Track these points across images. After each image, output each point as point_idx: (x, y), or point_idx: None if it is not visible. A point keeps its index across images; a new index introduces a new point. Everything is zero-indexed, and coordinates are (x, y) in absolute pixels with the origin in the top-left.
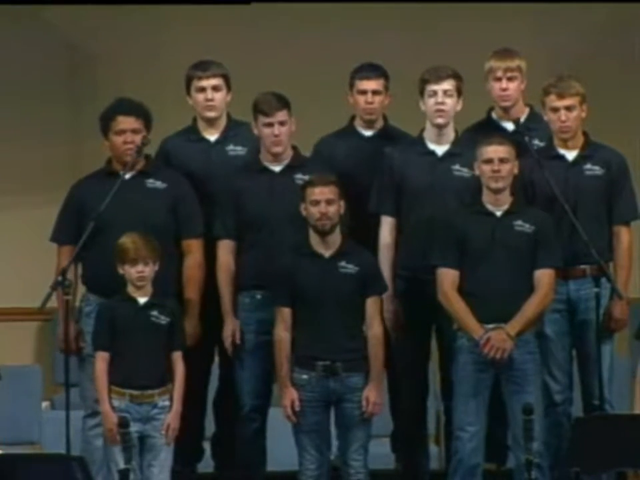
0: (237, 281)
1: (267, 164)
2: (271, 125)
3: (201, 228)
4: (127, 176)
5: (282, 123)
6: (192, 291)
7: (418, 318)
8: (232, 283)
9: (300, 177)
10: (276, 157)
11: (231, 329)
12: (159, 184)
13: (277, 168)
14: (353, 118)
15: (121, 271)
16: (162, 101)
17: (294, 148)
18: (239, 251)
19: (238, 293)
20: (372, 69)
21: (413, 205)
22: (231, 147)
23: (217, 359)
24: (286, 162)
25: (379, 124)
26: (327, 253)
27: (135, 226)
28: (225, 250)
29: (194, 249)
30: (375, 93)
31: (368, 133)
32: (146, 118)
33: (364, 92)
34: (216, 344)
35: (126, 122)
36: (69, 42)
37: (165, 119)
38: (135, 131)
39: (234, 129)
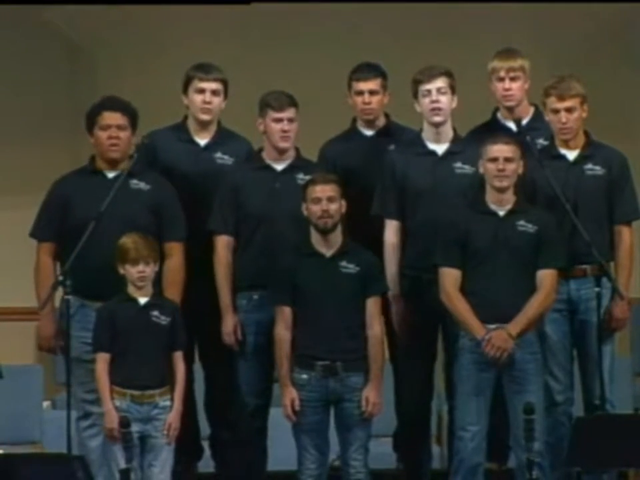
0: (233, 280)
1: (269, 162)
2: (280, 120)
3: (183, 232)
4: (111, 175)
5: (291, 120)
6: (173, 294)
7: (424, 318)
8: (230, 278)
9: (301, 178)
10: (281, 154)
11: (231, 324)
12: (142, 185)
13: (279, 167)
14: (355, 119)
15: (121, 271)
16: (162, 100)
17: (296, 149)
18: (235, 249)
19: (235, 294)
20: (368, 70)
21: (416, 205)
22: (219, 155)
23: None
24: (289, 161)
25: (381, 122)
26: (328, 253)
27: (118, 226)
28: (223, 245)
29: (175, 252)
30: (372, 93)
31: (370, 132)
32: (132, 115)
33: (361, 93)
34: (195, 344)
35: (111, 117)
36: (70, 42)
37: (164, 118)
38: (119, 127)
39: (224, 137)
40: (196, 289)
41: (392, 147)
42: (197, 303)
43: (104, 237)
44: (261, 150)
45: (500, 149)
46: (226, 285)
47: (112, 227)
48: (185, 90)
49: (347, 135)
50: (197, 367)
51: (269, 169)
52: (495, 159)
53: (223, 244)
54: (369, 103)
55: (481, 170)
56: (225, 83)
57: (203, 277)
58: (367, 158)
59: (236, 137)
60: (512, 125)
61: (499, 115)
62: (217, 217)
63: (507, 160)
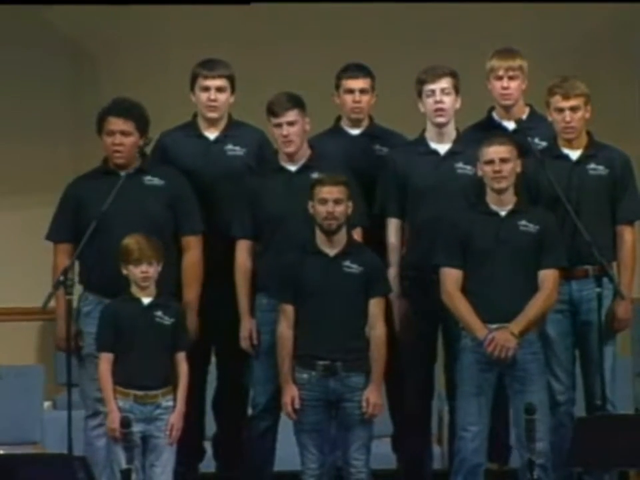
0: (254, 281)
1: (283, 163)
2: (279, 125)
3: (200, 225)
4: (124, 174)
5: (291, 124)
6: (191, 288)
7: (425, 318)
8: (249, 283)
9: (316, 176)
10: (290, 157)
11: (248, 329)
12: (156, 181)
13: (293, 167)
14: (338, 118)
15: (124, 271)
16: (163, 100)
17: (310, 147)
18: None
19: (255, 293)
20: (358, 69)
21: (418, 205)
22: (230, 147)
23: (213, 359)
24: (302, 161)
25: (365, 123)
26: (331, 252)
27: (134, 223)
28: (243, 250)
29: (193, 246)
30: (362, 92)
31: (355, 132)
32: (139, 121)
33: (351, 91)
34: (213, 344)
35: (115, 123)
36: (70, 42)
37: (165, 118)
38: (123, 133)
39: (234, 129)
40: (212, 288)
41: (377, 147)
42: (213, 302)
43: (121, 236)
44: (277, 151)
45: (495, 151)
46: (244, 290)
47: (129, 225)
48: (192, 87)
49: (331, 133)
50: (211, 368)
51: (284, 170)
52: (491, 161)
53: (242, 248)
54: (359, 102)
55: (479, 172)
56: (230, 78)
57: (216, 274)
58: (353, 157)
59: (247, 127)
60: (507, 124)
61: (494, 114)
62: (235, 221)
63: (503, 161)
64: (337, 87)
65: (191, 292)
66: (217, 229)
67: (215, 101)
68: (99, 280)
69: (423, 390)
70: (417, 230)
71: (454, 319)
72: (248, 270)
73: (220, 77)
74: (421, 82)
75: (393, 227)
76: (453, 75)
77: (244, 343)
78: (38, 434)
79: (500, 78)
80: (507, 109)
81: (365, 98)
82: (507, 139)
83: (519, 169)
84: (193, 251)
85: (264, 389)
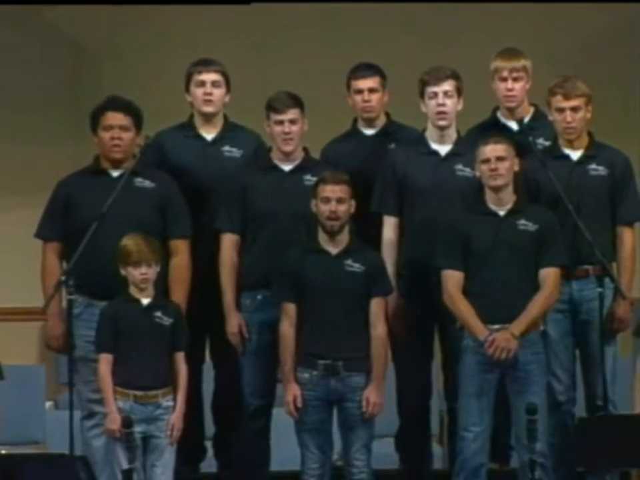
0: (238, 280)
1: (277, 162)
2: (281, 122)
3: (189, 229)
4: (115, 174)
5: (293, 121)
6: (179, 292)
7: (421, 317)
8: (234, 277)
9: (309, 179)
10: (287, 156)
11: (236, 324)
12: (147, 183)
13: (286, 167)
14: (355, 119)
15: (123, 272)
16: (164, 100)
17: (304, 149)
18: (241, 249)
19: (239, 293)
20: (367, 68)
21: (415, 204)
22: (227, 148)
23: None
24: (296, 162)
25: (381, 122)
26: (334, 251)
27: (123, 224)
28: (229, 244)
29: (181, 250)
30: (371, 91)
31: (370, 131)
32: (135, 116)
33: (360, 91)
34: (206, 344)
35: (114, 118)
36: (72, 42)
37: (167, 118)
38: (122, 128)
39: (231, 131)
40: (206, 288)
41: (392, 146)
42: (207, 302)
43: (110, 236)
44: (270, 149)
45: (492, 149)
46: (229, 285)
47: (118, 226)
48: (187, 87)
49: (347, 135)
50: (206, 367)
51: (277, 169)
52: (487, 160)
53: (227, 242)
54: (368, 101)
55: (477, 172)
56: (225, 75)
57: (212, 275)
58: (369, 158)
59: (244, 130)
60: (512, 125)
61: (499, 114)
62: (222, 215)
63: (499, 159)
64: (348, 87)
65: (178, 296)
66: (210, 229)
67: (210, 94)
68: (88, 282)
69: (420, 389)
70: (413, 230)
71: (451, 318)
72: (234, 264)
73: (216, 71)
74: (424, 83)
75: (390, 224)
76: (456, 77)
77: (233, 339)
78: (40, 434)
79: (504, 79)
80: (512, 110)
81: (375, 97)
82: (502, 138)
83: (517, 168)
84: (181, 254)
85: (254, 389)
